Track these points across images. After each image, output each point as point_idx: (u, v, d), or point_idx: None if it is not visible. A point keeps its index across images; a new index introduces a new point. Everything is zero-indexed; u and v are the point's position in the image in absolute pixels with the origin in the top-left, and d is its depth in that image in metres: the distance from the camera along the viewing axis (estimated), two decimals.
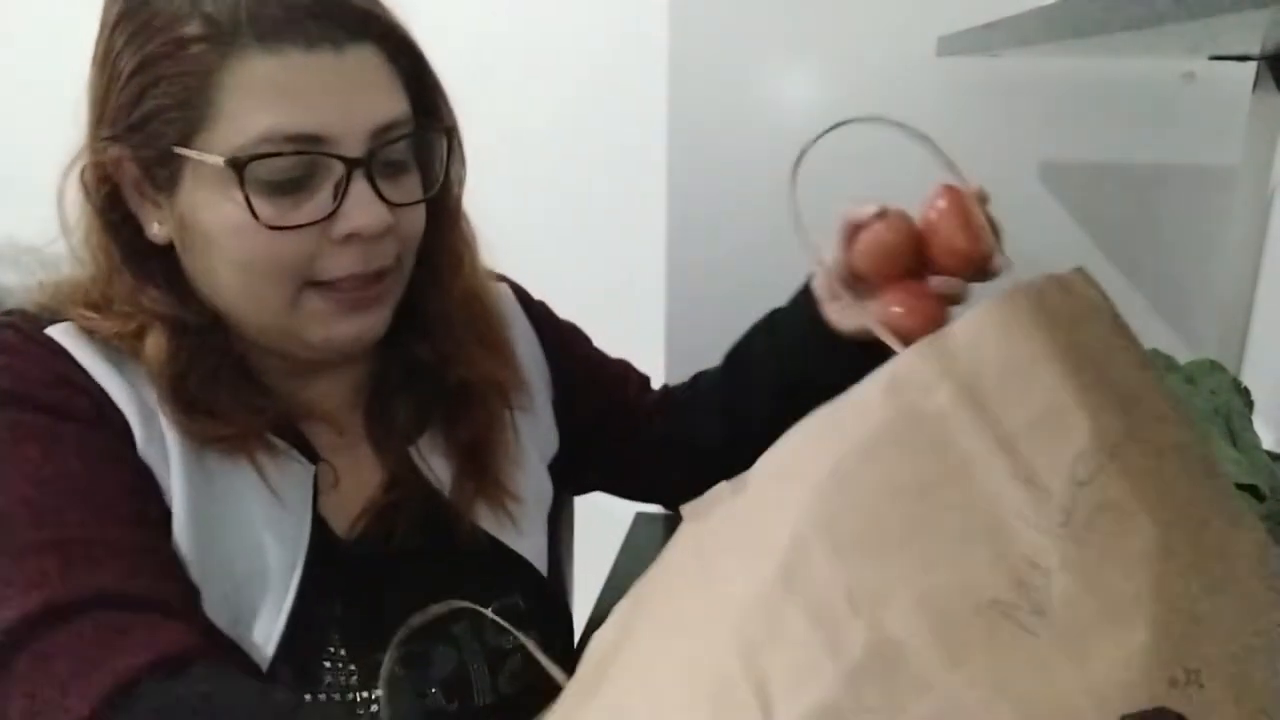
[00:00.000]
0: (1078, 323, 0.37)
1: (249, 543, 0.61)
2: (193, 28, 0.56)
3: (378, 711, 0.62)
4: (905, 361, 0.37)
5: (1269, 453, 0.90)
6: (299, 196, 0.58)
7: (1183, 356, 0.97)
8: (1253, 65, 1.15)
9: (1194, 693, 0.29)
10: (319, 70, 0.56)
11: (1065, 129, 1.34)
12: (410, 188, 0.64)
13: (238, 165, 0.56)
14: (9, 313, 0.63)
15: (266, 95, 0.56)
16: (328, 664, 0.62)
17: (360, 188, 0.59)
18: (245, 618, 0.60)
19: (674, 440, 0.83)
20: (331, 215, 0.59)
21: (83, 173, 0.61)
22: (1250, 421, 0.93)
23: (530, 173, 1.64)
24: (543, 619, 0.72)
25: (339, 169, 0.58)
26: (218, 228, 0.59)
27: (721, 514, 0.40)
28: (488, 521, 0.71)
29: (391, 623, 0.62)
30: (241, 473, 0.63)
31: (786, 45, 1.36)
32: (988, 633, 0.31)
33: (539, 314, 0.84)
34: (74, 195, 0.63)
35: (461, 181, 0.71)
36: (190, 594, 0.58)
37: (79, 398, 0.58)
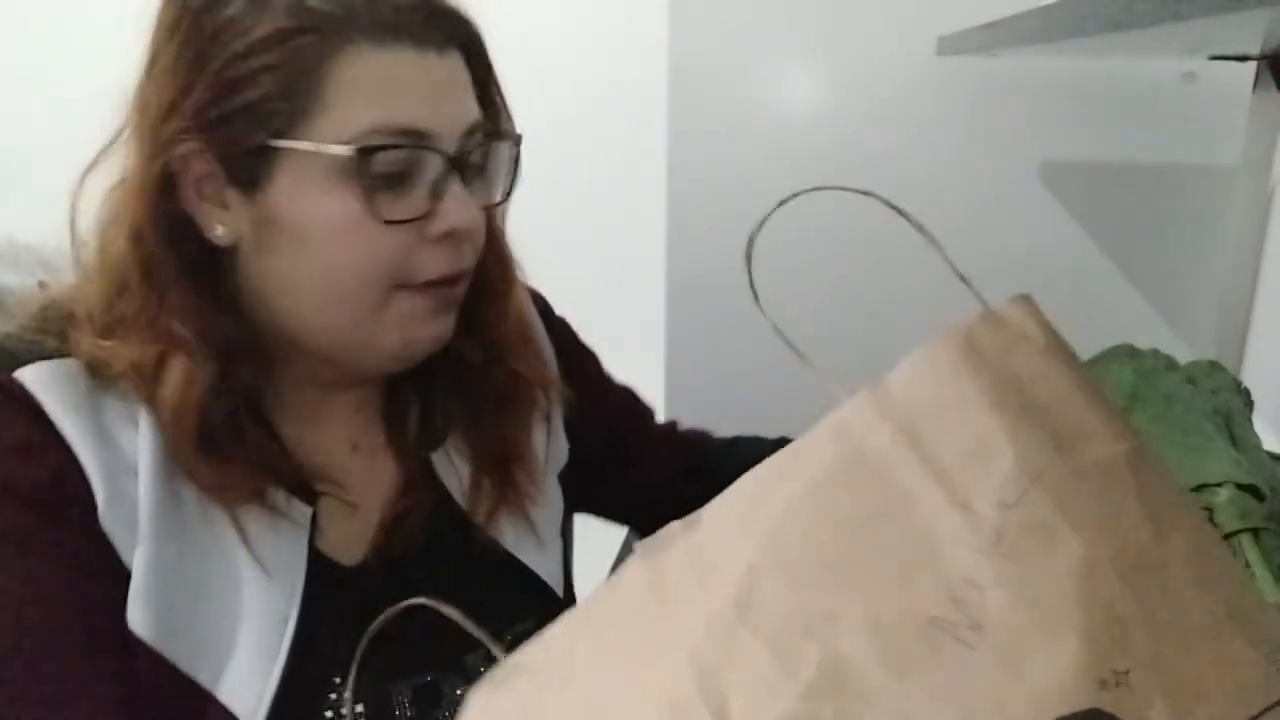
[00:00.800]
0: (1006, 355, 0.40)
1: (229, 608, 0.58)
2: (297, 19, 0.54)
3: None
4: (850, 408, 0.40)
5: (1269, 453, 0.90)
6: (399, 193, 0.58)
7: (1183, 356, 0.97)
8: (1253, 65, 1.15)
9: (1123, 693, 0.32)
10: (425, 68, 0.57)
11: (1065, 129, 1.34)
12: (491, 190, 0.65)
13: (367, 153, 0.55)
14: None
15: (377, 89, 0.56)
16: (329, 714, 0.60)
17: (457, 186, 0.59)
18: (229, 680, 0.57)
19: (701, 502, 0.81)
20: (430, 213, 0.59)
21: (138, 174, 0.58)
22: (1250, 421, 0.93)
23: (530, 173, 1.63)
24: None
25: (436, 166, 0.58)
26: (316, 225, 0.57)
27: (676, 549, 0.41)
28: (504, 535, 0.70)
29: (400, 660, 0.61)
30: (220, 536, 0.59)
31: (786, 45, 1.36)
32: (930, 648, 0.34)
33: (560, 331, 0.83)
34: (89, 200, 0.61)
35: (511, 192, 0.71)
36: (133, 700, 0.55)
37: (35, 470, 0.54)
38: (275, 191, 0.57)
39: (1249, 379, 1.02)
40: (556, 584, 0.72)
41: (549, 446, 0.77)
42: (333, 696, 0.60)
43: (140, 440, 0.57)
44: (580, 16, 1.57)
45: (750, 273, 0.50)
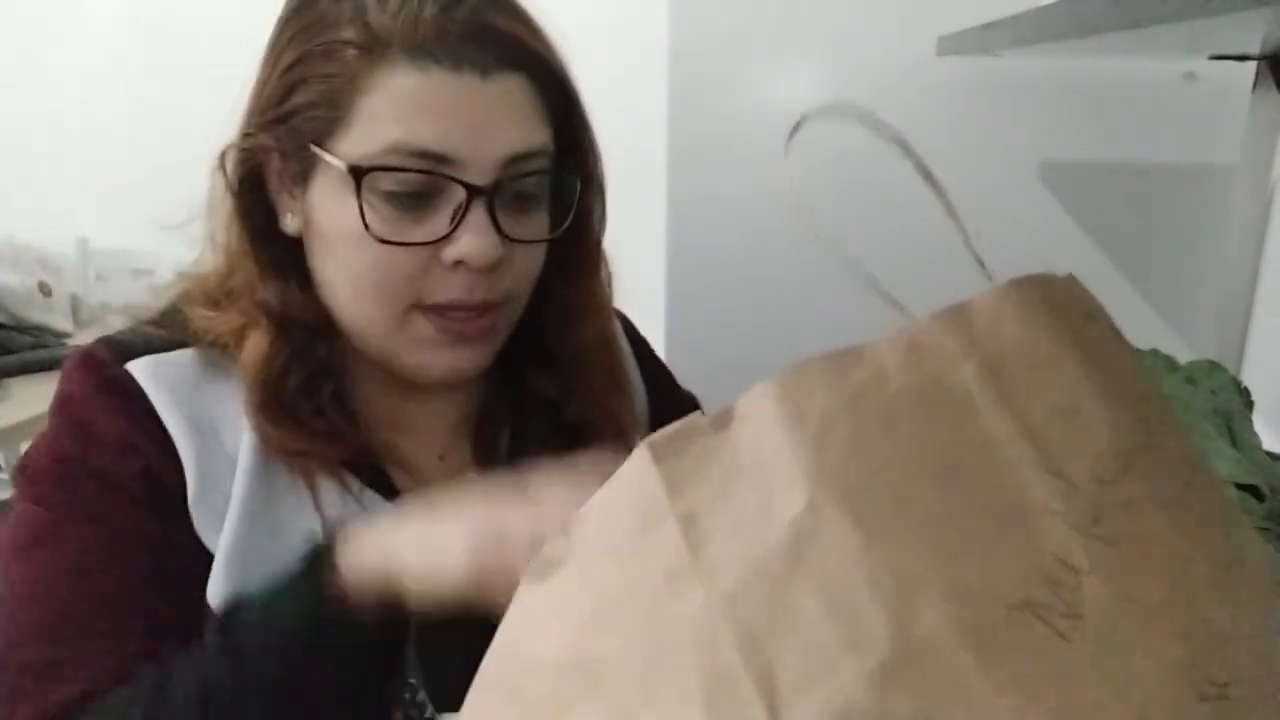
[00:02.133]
0: (1085, 324, 0.37)
1: None
2: (350, 33, 0.56)
3: None
4: (927, 329, 0.35)
5: (1269, 453, 0.90)
6: (420, 214, 0.58)
7: (1183, 356, 0.97)
8: (1253, 65, 1.15)
9: (1222, 707, 0.29)
10: (460, 93, 0.56)
11: (1065, 129, 1.34)
12: (535, 225, 0.62)
13: (357, 173, 0.56)
14: (104, 339, 0.63)
15: (403, 108, 0.56)
16: (407, 695, 0.61)
17: (478, 216, 0.58)
18: None
19: None
20: (445, 239, 0.58)
21: (224, 154, 0.61)
22: (1250, 421, 0.93)
23: None
24: None
25: (460, 194, 0.57)
26: (334, 232, 0.59)
27: (698, 455, 0.34)
28: None
29: (473, 669, 0.61)
30: (305, 521, 0.61)
31: (786, 45, 1.36)
32: (1021, 635, 0.29)
33: (644, 352, 0.82)
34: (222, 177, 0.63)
35: (603, 225, 0.70)
36: None
37: (135, 458, 0.58)
38: (314, 194, 0.60)
39: (1249, 379, 1.02)
40: None
41: None
42: (405, 694, 0.61)
43: (242, 425, 0.61)
44: (580, 16, 1.57)
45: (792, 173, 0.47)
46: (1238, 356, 1.20)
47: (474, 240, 0.58)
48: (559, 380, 0.70)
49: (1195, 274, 1.35)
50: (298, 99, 0.58)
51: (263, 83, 0.60)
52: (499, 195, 0.58)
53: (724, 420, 0.35)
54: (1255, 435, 0.90)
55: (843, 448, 0.32)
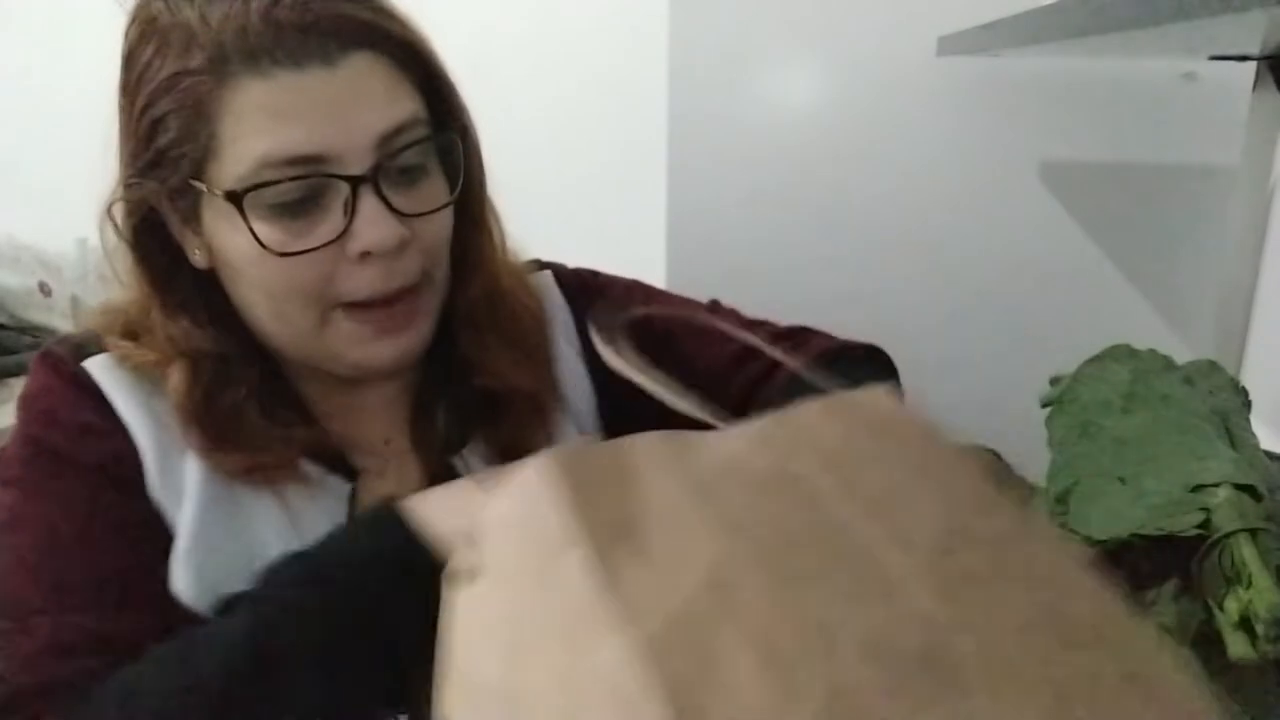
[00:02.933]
0: (891, 427, 0.39)
1: None
2: (187, 59, 0.55)
3: None
4: (760, 426, 0.37)
5: (1268, 453, 0.90)
6: (312, 218, 0.57)
7: (1182, 357, 0.97)
8: (1253, 65, 1.15)
9: None
10: (311, 89, 0.55)
11: (1065, 129, 1.34)
12: (428, 194, 0.61)
13: (235, 198, 0.56)
14: (60, 340, 0.65)
15: (259, 120, 0.55)
16: None
17: (369, 203, 0.57)
18: None
19: None
20: (344, 234, 0.57)
21: (110, 207, 0.61)
22: (1248, 422, 0.93)
23: (530, 172, 1.64)
24: None
25: (344, 187, 0.57)
26: (236, 256, 0.59)
27: (597, 483, 0.34)
28: None
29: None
30: (267, 508, 0.63)
31: (786, 45, 1.36)
32: (931, 686, 0.30)
33: (586, 304, 0.77)
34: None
35: (482, 181, 0.69)
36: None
37: (99, 443, 0.60)
38: (207, 226, 0.60)
39: (1248, 379, 1.02)
40: None
41: (578, 407, 0.74)
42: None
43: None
44: (580, 15, 1.57)
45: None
46: (1237, 356, 1.20)
47: (372, 229, 0.57)
48: (457, 348, 0.69)
49: (1195, 274, 1.35)
50: (161, 140, 0.57)
51: (126, 130, 0.60)
52: (383, 176, 0.57)
53: (620, 453, 0.35)
54: (1253, 435, 0.90)
55: (734, 504, 0.33)
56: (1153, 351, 0.95)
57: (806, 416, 0.38)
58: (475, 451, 0.70)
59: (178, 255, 0.62)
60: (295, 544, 0.60)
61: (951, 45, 1.25)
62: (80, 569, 0.58)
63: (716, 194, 1.40)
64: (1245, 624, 0.71)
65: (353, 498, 0.65)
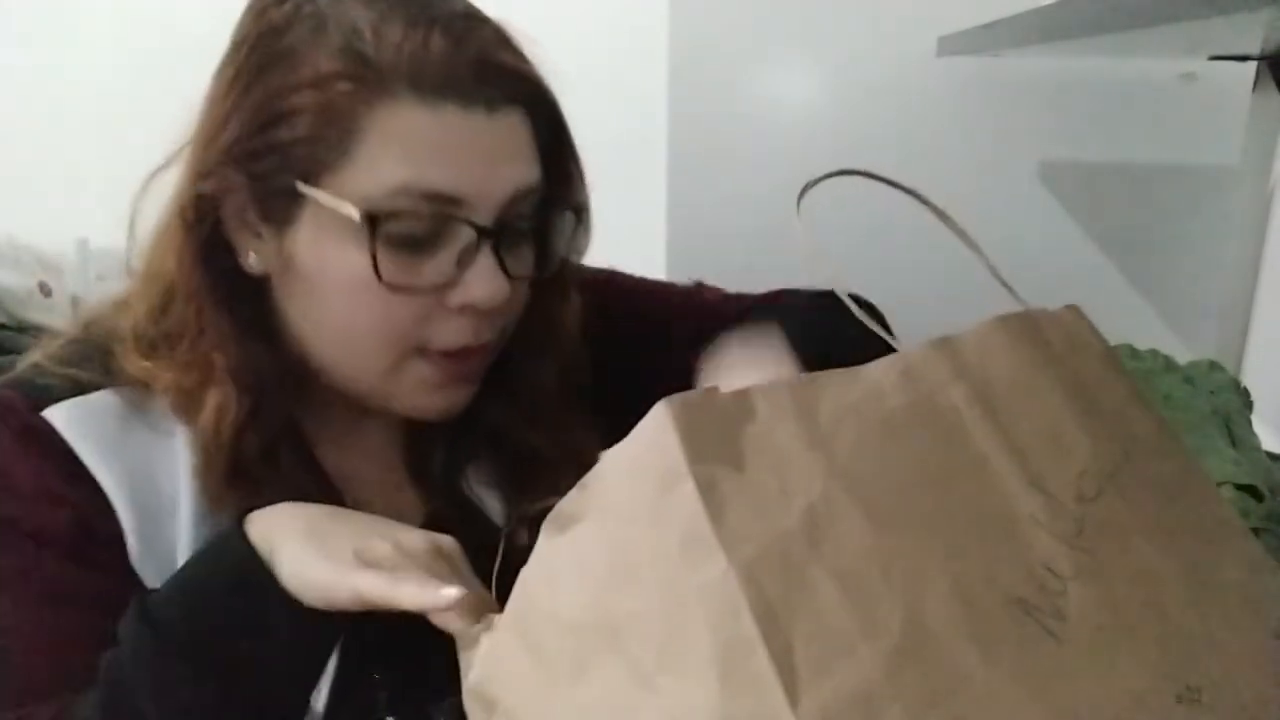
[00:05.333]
0: (1071, 354, 0.39)
1: None
2: (342, 64, 0.53)
3: None
4: (920, 355, 0.38)
5: (1269, 453, 0.90)
6: (421, 257, 0.55)
7: (1183, 356, 0.97)
8: (1253, 65, 1.15)
9: (1197, 710, 0.31)
10: (470, 131, 0.54)
11: (1065, 129, 1.34)
12: (526, 260, 0.60)
13: (374, 219, 0.53)
14: (8, 381, 0.57)
15: (413, 148, 0.53)
16: None
17: (486, 259, 0.55)
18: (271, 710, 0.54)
19: None
20: (451, 283, 0.56)
21: (183, 193, 0.56)
22: (1250, 422, 0.93)
23: None
24: None
25: (467, 235, 0.55)
26: (330, 279, 0.55)
27: (716, 424, 0.35)
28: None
29: (437, 675, 0.59)
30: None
31: (787, 45, 1.36)
32: (1017, 630, 0.31)
33: (605, 335, 0.72)
34: (151, 209, 0.59)
35: (581, 255, 0.66)
36: None
37: (63, 510, 0.54)
38: (299, 235, 0.56)
39: (1249, 379, 1.02)
40: None
41: None
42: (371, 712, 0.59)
43: (180, 470, 0.57)
44: (580, 16, 1.57)
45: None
46: (1238, 356, 1.20)
47: (484, 284, 0.55)
48: (511, 409, 0.65)
49: (1195, 274, 1.34)
50: (282, 133, 0.54)
51: (223, 116, 0.55)
52: (504, 239, 0.56)
53: (742, 398, 0.35)
54: (1254, 436, 0.90)
55: (851, 448, 0.34)
56: (1153, 352, 0.95)
57: (975, 341, 0.39)
58: (478, 473, 0.67)
59: (228, 254, 0.57)
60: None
61: (951, 45, 1.25)
62: (45, 658, 0.53)
63: (716, 194, 1.40)
64: None
65: None
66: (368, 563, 0.46)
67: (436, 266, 0.55)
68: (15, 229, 1.84)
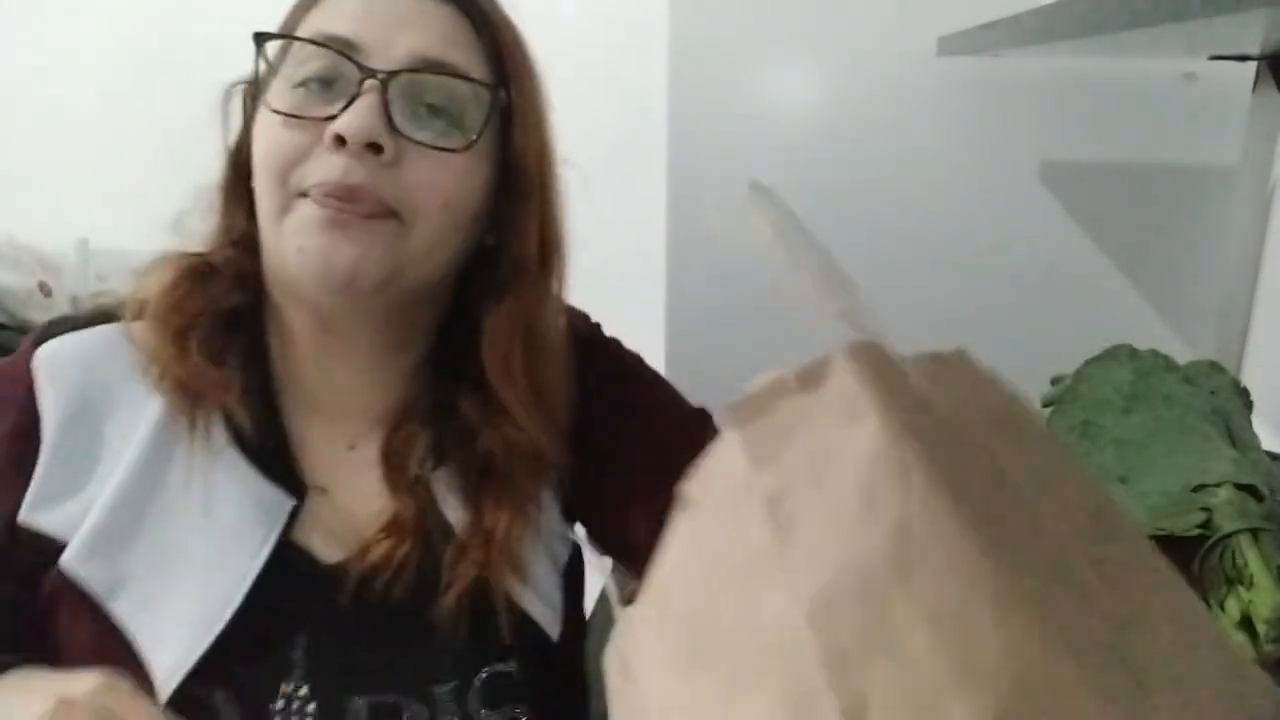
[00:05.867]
0: (1010, 418, 0.34)
1: (184, 577, 0.61)
2: None
3: None
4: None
5: (1269, 453, 0.90)
6: (318, 98, 0.60)
7: (1183, 356, 0.97)
8: (1253, 65, 1.15)
9: None
10: (396, 1, 0.62)
11: (1065, 129, 1.34)
12: (439, 135, 0.61)
13: (260, 40, 0.61)
14: (45, 324, 0.69)
15: (326, 8, 0.62)
16: (280, 703, 0.60)
17: (368, 98, 0.59)
18: (161, 646, 0.59)
19: None
20: (330, 118, 0.59)
21: (245, 93, 0.66)
22: (1249, 422, 0.93)
23: None
24: (544, 691, 0.65)
25: (355, 76, 0.59)
26: (255, 132, 0.63)
27: (785, 420, 0.30)
28: (505, 575, 0.65)
29: (364, 671, 0.61)
30: (196, 509, 0.62)
31: (787, 45, 1.36)
32: (1117, 681, 0.27)
33: (583, 359, 0.73)
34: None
35: (544, 172, 0.69)
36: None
37: (5, 446, 0.63)
38: (258, 119, 0.63)
39: (1249, 379, 1.02)
40: (550, 625, 0.66)
41: (554, 497, 0.71)
42: (288, 689, 0.60)
43: (144, 403, 0.63)
44: (580, 15, 1.57)
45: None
46: (1238, 356, 1.20)
47: (353, 115, 0.58)
48: (481, 399, 0.67)
49: (1195, 274, 1.35)
50: (270, 52, 0.63)
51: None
52: (396, 86, 0.60)
53: (814, 380, 0.31)
54: (1254, 436, 0.90)
55: (943, 444, 0.28)
56: (1154, 351, 0.95)
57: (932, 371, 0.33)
58: (450, 479, 0.67)
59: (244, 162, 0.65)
60: (217, 551, 0.61)
61: (951, 45, 1.25)
62: None
63: (716, 194, 1.40)
64: (1246, 624, 0.71)
65: (295, 517, 0.63)
66: None
67: (326, 104, 0.60)
68: (15, 229, 1.84)
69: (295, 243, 0.60)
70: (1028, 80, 1.32)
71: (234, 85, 0.66)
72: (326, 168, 0.59)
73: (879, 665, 0.25)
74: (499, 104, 0.64)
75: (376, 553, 0.63)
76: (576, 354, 0.72)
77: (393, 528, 0.64)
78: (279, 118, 0.60)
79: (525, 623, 0.65)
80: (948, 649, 0.25)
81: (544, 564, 0.68)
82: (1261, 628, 0.69)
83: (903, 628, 0.25)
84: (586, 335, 0.75)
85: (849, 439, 0.29)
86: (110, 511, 0.61)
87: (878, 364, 0.30)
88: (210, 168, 0.67)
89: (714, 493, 0.32)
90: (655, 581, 0.35)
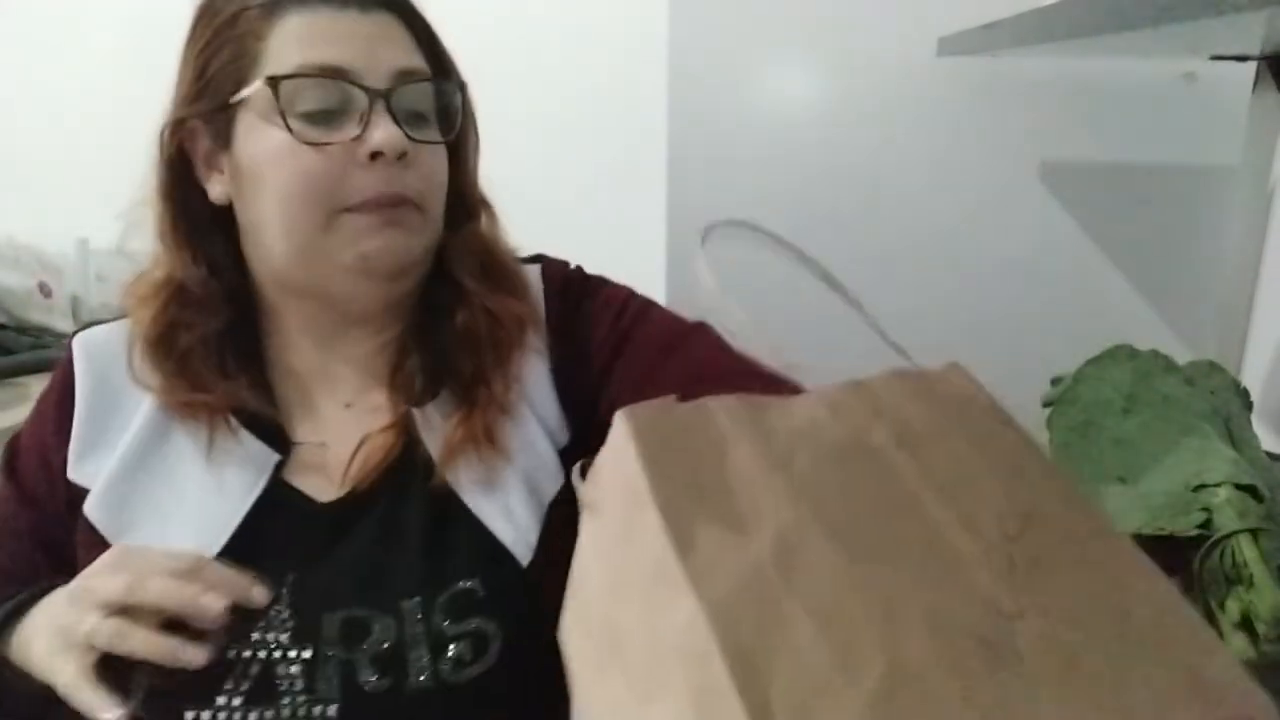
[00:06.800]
0: (962, 407, 0.40)
1: (179, 517, 0.70)
2: (248, 3, 0.68)
3: (304, 667, 0.65)
4: (840, 393, 0.38)
5: (1269, 453, 0.90)
6: (331, 125, 0.67)
7: (1183, 357, 0.97)
8: (1253, 65, 1.15)
9: None
10: (348, 22, 0.68)
11: (1065, 129, 1.34)
12: (430, 134, 0.71)
13: (274, 81, 0.66)
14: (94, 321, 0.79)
15: (302, 39, 0.67)
16: (261, 622, 0.66)
17: (382, 114, 0.67)
18: None
19: None
20: (358, 139, 0.67)
21: (160, 134, 0.71)
22: (1250, 422, 0.93)
23: (530, 172, 1.63)
24: (513, 612, 0.68)
25: (364, 100, 0.67)
26: (262, 157, 0.68)
27: (676, 439, 0.35)
28: (468, 491, 0.70)
29: (340, 590, 0.68)
30: (195, 461, 0.71)
31: (787, 45, 1.36)
32: (988, 667, 0.30)
33: (569, 302, 0.79)
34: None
35: (476, 148, 0.78)
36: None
37: (34, 457, 0.74)
38: (238, 141, 0.69)
39: (1249, 379, 1.02)
40: (519, 549, 0.70)
41: (540, 418, 0.75)
42: (271, 611, 0.66)
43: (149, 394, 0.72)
44: (580, 15, 1.57)
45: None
46: (1238, 356, 1.20)
47: (383, 132, 0.67)
48: (447, 283, 0.76)
49: (1195, 274, 1.35)
50: (212, 66, 0.69)
51: (184, 73, 0.71)
52: (394, 99, 0.68)
53: (701, 411, 0.36)
54: (1254, 436, 0.90)
55: (807, 473, 0.34)
56: (1153, 352, 0.95)
57: (883, 387, 0.39)
58: (440, 407, 0.73)
59: (197, 195, 0.72)
60: (210, 494, 0.70)
61: (951, 45, 1.25)
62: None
63: (716, 194, 1.40)
64: (1246, 624, 0.71)
65: (283, 466, 0.72)
66: (95, 644, 0.58)
67: (344, 128, 0.67)
68: (15, 229, 1.84)
69: (354, 251, 0.68)
70: (1028, 80, 1.32)
71: (166, 127, 0.71)
72: (369, 182, 0.67)
73: (776, 659, 0.29)
74: (455, 91, 0.74)
75: (360, 482, 0.71)
76: (559, 293, 0.79)
77: (371, 458, 0.72)
78: (298, 147, 0.66)
79: (488, 542, 0.69)
80: (830, 639, 0.29)
81: (519, 490, 0.72)
82: (1261, 628, 0.69)
83: (791, 624, 0.30)
84: (561, 281, 0.81)
85: (735, 456, 0.34)
86: (121, 464, 0.70)
87: (757, 416, 0.36)
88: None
89: (611, 501, 0.36)
90: (575, 582, 0.39)
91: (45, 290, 1.83)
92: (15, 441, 0.75)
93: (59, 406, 0.74)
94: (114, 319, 0.77)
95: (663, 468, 0.34)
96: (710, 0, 1.35)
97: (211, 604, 0.58)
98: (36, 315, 1.83)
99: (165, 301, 0.72)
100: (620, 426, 0.35)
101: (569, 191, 1.65)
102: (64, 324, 1.85)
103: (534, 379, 0.76)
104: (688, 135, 1.38)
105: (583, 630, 0.36)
